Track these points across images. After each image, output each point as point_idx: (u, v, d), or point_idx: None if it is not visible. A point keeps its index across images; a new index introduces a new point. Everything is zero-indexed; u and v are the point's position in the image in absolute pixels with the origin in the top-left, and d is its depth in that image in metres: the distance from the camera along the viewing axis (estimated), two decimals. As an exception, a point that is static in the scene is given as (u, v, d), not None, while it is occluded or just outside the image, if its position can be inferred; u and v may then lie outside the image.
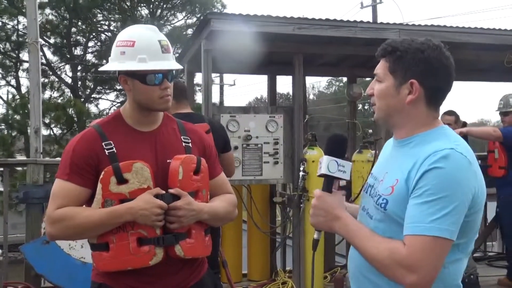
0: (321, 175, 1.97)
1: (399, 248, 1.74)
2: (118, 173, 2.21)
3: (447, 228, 1.70)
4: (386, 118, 1.95)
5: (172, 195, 2.27)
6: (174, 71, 2.38)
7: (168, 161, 2.33)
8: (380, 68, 1.94)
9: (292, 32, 5.46)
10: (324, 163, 1.94)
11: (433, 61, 1.87)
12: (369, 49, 5.83)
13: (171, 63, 2.34)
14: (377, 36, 5.72)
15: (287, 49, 5.86)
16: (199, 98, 11.46)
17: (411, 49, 1.87)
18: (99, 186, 2.22)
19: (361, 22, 5.82)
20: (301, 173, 5.74)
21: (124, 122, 2.39)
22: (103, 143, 2.28)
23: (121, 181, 2.22)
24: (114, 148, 2.28)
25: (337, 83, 52.77)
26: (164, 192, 2.27)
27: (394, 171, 1.88)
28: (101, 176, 2.22)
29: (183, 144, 2.43)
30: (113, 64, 2.36)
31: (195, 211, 2.29)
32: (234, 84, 32.84)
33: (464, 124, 6.77)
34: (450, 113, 6.16)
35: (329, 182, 1.95)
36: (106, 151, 2.27)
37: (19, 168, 12.12)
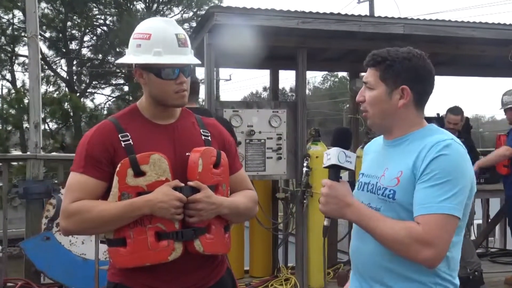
0: (329, 166, 2.08)
1: (414, 226, 1.90)
2: (135, 165, 2.14)
3: (455, 206, 1.89)
4: (380, 122, 2.12)
5: (192, 188, 2.20)
6: (191, 66, 2.32)
7: (187, 154, 2.26)
8: (371, 76, 2.09)
9: (297, 26, 5.39)
10: (333, 154, 2.06)
11: (419, 68, 2.06)
12: (373, 44, 5.78)
13: (187, 58, 2.27)
14: (382, 31, 5.68)
15: (291, 43, 5.80)
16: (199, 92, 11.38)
17: (399, 58, 2.05)
18: (116, 179, 2.15)
19: (366, 16, 5.79)
20: (304, 169, 5.69)
21: (141, 114, 2.33)
22: (119, 135, 2.22)
23: (138, 173, 2.15)
24: (130, 140, 2.22)
25: (332, 78, 52.78)
26: (183, 184, 2.20)
27: (395, 165, 2.04)
28: (118, 169, 2.14)
29: (203, 137, 2.37)
30: (128, 57, 2.30)
31: (215, 205, 2.22)
32: (230, 79, 32.70)
33: (467, 120, 6.73)
34: (457, 112, 6.04)
35: (337, 172, 2.07)
36: (123, 143, 2.20)
37: (14, 163, 12.05)
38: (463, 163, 1.95)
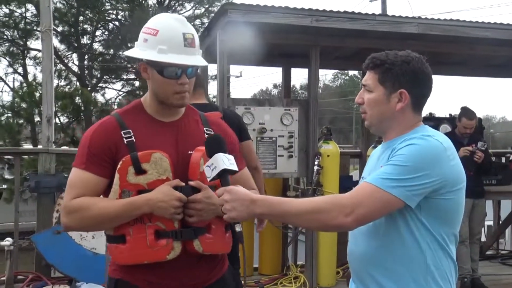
0: (218, 174, 2.01)
1: (339, 195, 1.96)
2: (136, 163, 2.14)
3: (396, 186, 1.87)
4: (378, 124, 2.14)
5: (192, 188, 2.19)
6: (196, 67, 2.26)
7: (189, 152, 2.25)
8: (370, 79, 2.11)
9: (310, 24, 5.38)
10: (219, 161, 2.01)
11: (418, 72, 2.07)
12: (385, 43, 5.75)
13: (192, 58, 2.21)
14: (395, 30, 5.66)
15: (304, 41, 5.78)
16: (211, 89, 11.36)
17: (398, 61, 2.07)
18: (117, 176, 2.14)
19: (380, 15, 5.77)
20: (315, 167, 5.69)
21: (144, 111, 2.31)
22: (122, 132, 2.20)
23: (139, 171, 2.14)
24: (133, 137, 2.20)
25: (343, 77, 52.72)
26: (183, 184, 2.19)
27: (380, 162, 2.09)
28: (119, 166, 2.14)
29: (206, 135, 2.33)
30: (135, 50, 2.27)
31: (215, 205, 2.18)
32: (240, 76, 32.69)
33: (480, 121, 6.68)
34: (472, 117, 5.93)
35: (227, 177, 2.03)
36: (125, 140, 2.19)
37: (25, 156, 12.09)
38: (431, 155, 1.93)
